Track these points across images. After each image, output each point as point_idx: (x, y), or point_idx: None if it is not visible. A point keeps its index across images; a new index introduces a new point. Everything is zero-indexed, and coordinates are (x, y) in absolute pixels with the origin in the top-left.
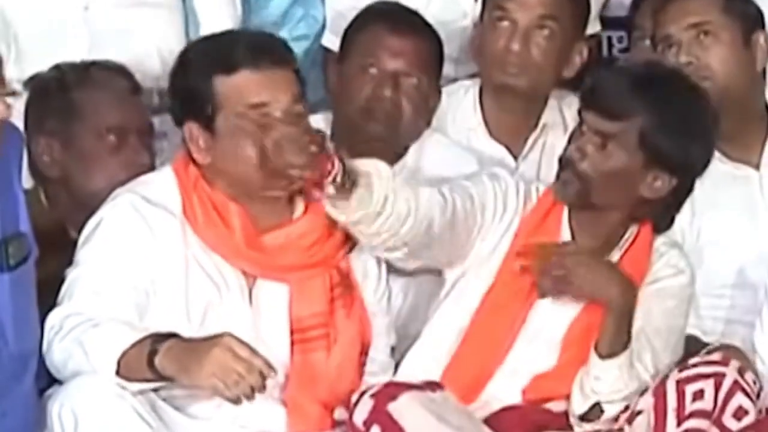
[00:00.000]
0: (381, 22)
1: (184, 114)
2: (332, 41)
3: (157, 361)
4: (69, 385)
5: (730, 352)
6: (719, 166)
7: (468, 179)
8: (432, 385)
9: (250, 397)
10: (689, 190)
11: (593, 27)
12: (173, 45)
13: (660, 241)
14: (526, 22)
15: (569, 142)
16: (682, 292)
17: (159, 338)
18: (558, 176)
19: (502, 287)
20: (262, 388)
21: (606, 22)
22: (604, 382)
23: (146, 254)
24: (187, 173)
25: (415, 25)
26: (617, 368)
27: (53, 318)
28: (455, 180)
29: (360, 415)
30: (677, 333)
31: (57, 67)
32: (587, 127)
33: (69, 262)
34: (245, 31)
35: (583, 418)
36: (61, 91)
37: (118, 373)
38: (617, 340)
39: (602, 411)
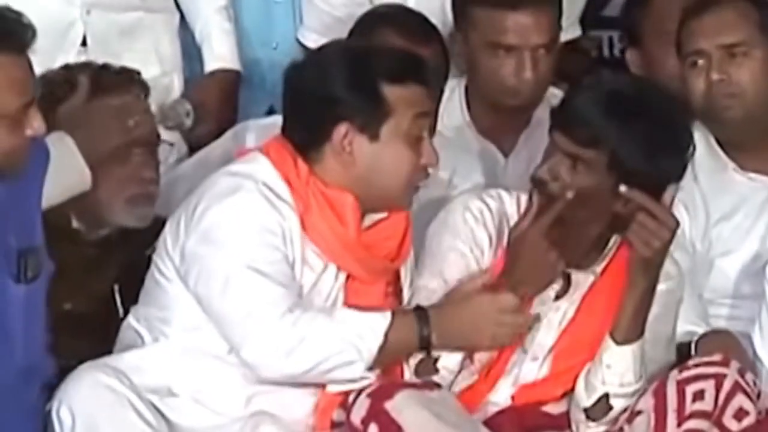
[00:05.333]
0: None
1: (338, 116)
2: (306, 37)
3: (433, 338)
4: (66, 384)
5: (722, 338)
6: (734, 176)
7: (451, 251)
8: (429, 384)
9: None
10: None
11: (573, 32)
12: (168, 48)
13: None
14: (528, 52)
15: (543, 160)
16: (668, 298)
17: (418, 315)
18: (530, 197)
19: None
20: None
21: (606, 22)
22: (615, 371)
23: (283, 238)
24: (297, 168)
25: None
26: (631, 356)
27: (275, 330)
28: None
29: (357, 414)
30: (664, 339)
31: (66, 68)
32: (557, 147)
33: (72, 250)
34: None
35: (589, 415)
36: (70, 98)
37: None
38: (634, 324)
39: (610, 407)
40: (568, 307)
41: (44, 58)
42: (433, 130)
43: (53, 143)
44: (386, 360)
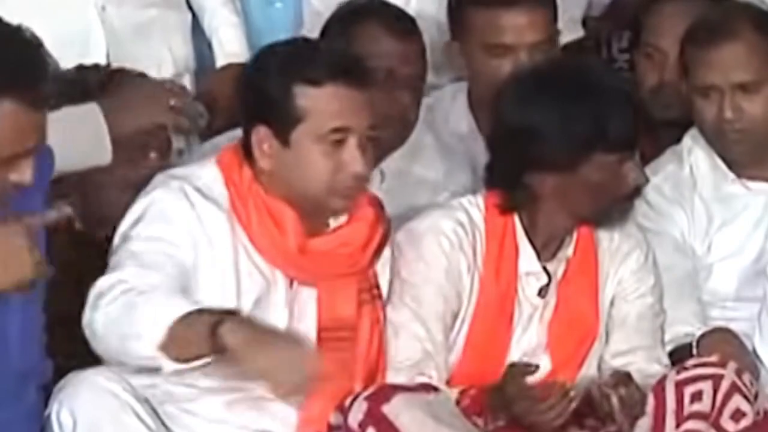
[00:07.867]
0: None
1: (255, 117)
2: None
3: (224, 331)
4: (67, 387)
5: (723, 336)
6: (735, 185)
7: (427, 283)
8: (426, 387)
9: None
10: None
11: (576, 32)
12: (182, 48)
13: None
14: (525, 52)
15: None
16: (650, 261)
17: (221, 312)
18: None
19: (486, 311)
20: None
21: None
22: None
23: (193, 240)
24: (241, 174)
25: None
26: None
27: (100, 284)
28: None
29: (355, 417)
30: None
31: (79, 69)
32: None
33: (75, 252)
34: (326, 44)
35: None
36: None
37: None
38: None
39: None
40: (549, 298)
41: (62, 52)
42: (414, 121)
43: (83, 111)
44: (182, 351)
